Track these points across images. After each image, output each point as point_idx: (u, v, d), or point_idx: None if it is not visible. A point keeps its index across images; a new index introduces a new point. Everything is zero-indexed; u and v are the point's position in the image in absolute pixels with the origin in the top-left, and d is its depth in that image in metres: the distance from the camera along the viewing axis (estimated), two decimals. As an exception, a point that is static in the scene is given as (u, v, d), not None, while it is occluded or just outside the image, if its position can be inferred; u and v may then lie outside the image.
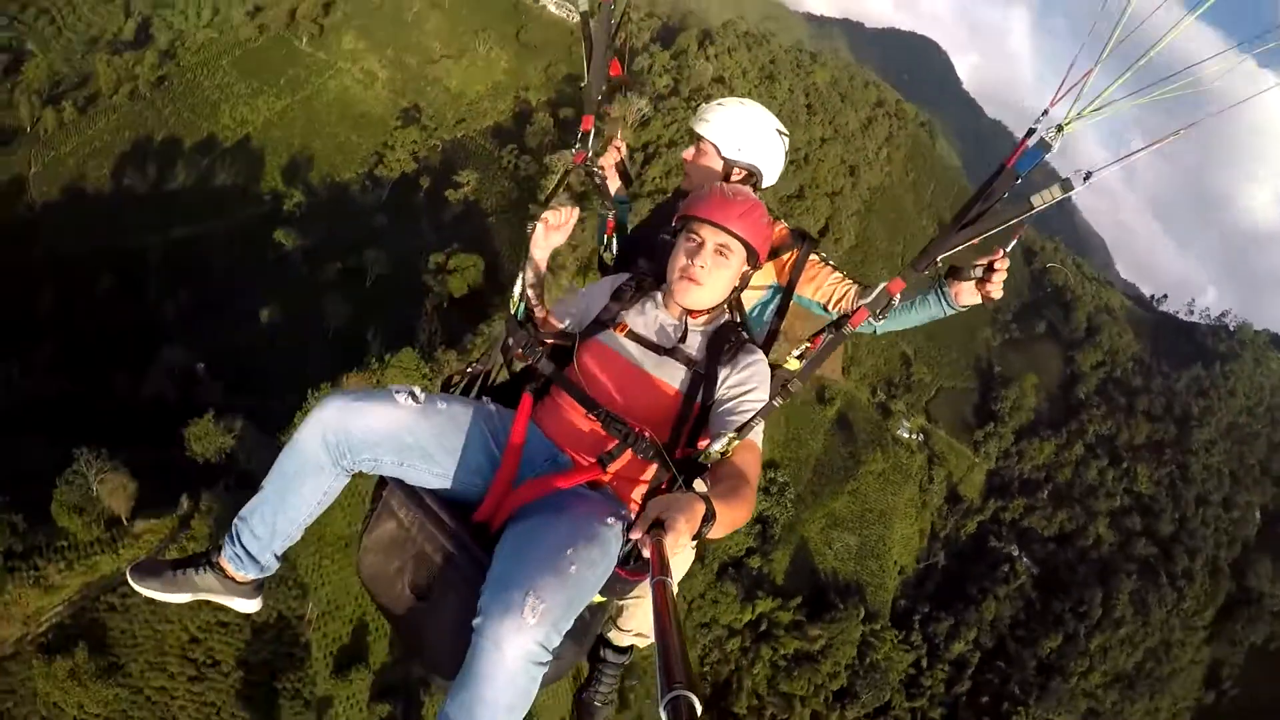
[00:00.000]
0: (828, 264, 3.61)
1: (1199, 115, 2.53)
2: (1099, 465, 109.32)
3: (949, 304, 3.28)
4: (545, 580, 2.35)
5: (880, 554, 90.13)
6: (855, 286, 3.54)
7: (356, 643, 54.67)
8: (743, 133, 3.67)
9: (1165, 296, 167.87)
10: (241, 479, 56.96)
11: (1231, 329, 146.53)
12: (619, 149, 4.08)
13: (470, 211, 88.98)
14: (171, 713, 48.66)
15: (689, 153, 3.82)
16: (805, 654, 79.43)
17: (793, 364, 3.15)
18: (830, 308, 3.58)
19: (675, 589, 2.76)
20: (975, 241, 2.93)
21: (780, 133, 3.76)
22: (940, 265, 3.01)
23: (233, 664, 50.19)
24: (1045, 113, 2.65)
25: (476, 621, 2.32)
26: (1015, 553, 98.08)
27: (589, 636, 2.91)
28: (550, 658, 2.36)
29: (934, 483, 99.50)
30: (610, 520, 2.71)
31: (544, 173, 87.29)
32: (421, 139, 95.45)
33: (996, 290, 3.12)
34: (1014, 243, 3.00)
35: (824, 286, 3.57)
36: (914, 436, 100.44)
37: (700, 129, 3.72)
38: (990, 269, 3.08)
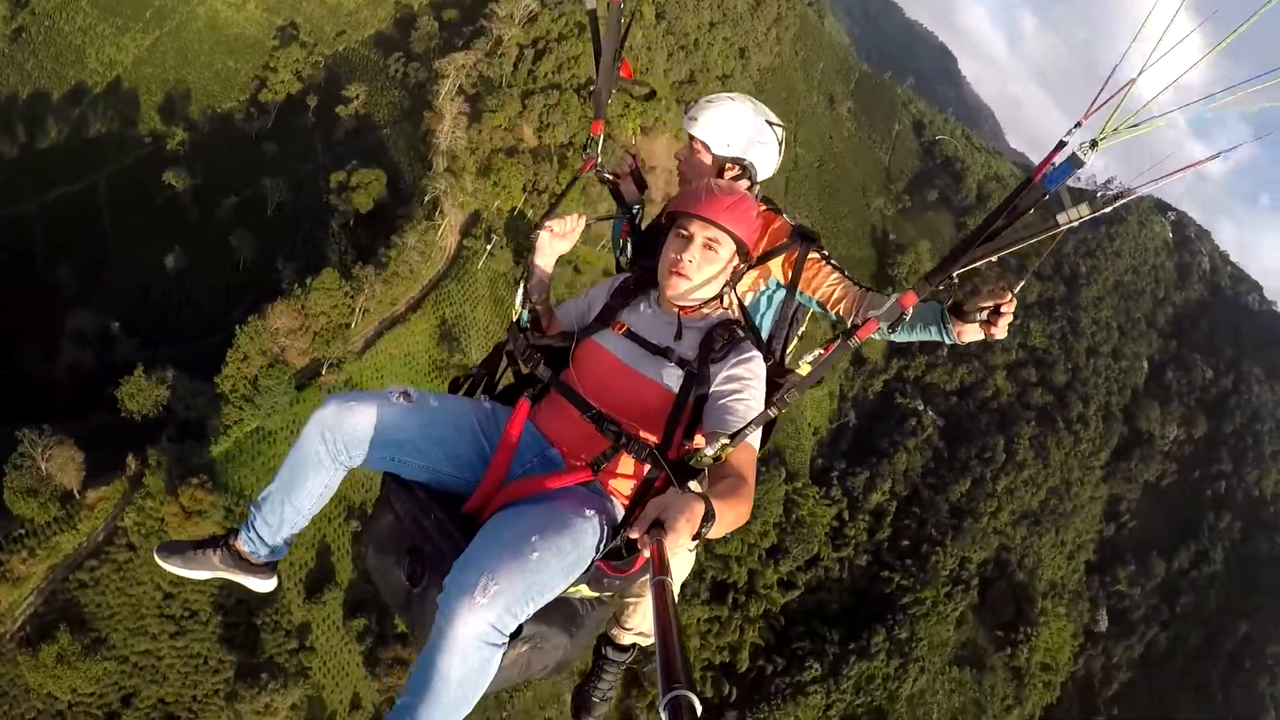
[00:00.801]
0: (829, 263, 3.61)
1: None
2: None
3: (950, 339, 3.25)
4: (504, 563, 2.43)
5: (795, 418, 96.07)
6: (855, 288, 3.57)
7: (322, 565, 57.33)
8: (731, 129, 3.72)
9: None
10: (183, 427, 58.09)
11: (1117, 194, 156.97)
12: (633, 156, 4.11)
13: (363, 126, 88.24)
14: (160, 672, 50.21)
15: (682, 153, 3.89)
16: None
17: (804, 369, 3.08)
18: (829, 308, 3.62)
19: (675, 589, 3.12)
20: (994, 259, 2.81)
21: (771, 124, 3.79)
22: (953, 283, 2.91)
23: (210, 610, 52.04)
24: (1079, 124, 2.54)
25: (439, 598, 2.44)
26: (921, 407, 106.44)
27: (583, 630, 3.00)
28: (503, 640, 2.44)
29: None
30: (588, 513, 2.77)
31: (435, 78, 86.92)
32: (303, 57, 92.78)
33: (1001, 332, 3.07)
34: (1022, 285, 2.96)
35: (823, 286, 3.59)
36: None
37: (691, 129, 3.78)
38: (996, 311, 3.03)
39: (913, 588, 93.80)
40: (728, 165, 3.77)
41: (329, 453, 3.01)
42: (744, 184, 3.75)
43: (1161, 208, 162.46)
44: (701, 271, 3.15)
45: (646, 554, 2.08)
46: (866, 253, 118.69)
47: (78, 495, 51.83)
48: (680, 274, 3.16)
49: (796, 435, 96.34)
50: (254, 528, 3.32)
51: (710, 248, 3.14)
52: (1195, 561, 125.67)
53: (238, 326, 61.82)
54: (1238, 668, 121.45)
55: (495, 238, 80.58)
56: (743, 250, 3.19)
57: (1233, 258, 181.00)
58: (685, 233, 3.17)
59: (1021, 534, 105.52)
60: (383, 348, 69.38)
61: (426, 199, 77.63)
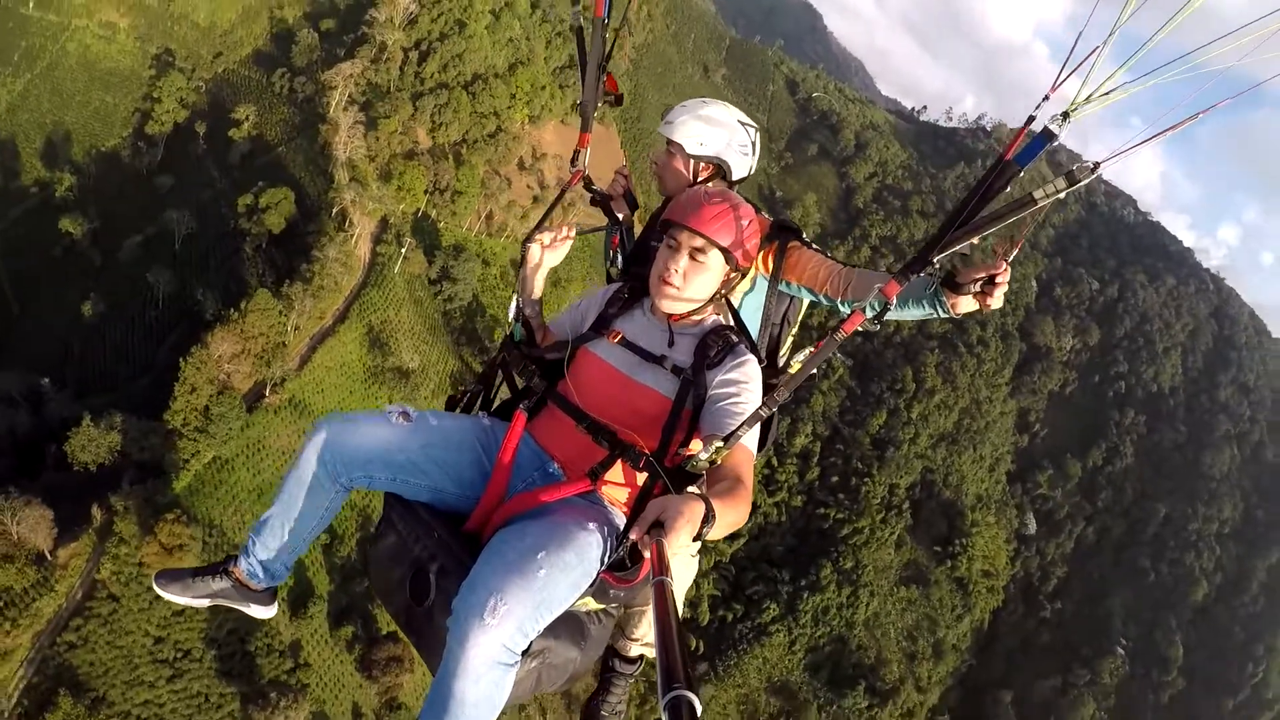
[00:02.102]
0: (810, 248, 3.70)
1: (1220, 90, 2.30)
2: (886, 263, 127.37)
3: (945, 312, 3.22)
4: (511, 583, 2.48)
5: None
6: (840, 267, 3.61)
7: (300, 580, 59.18)
8: (703, 129, 3.88)
9: (925, 108, 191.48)
10: (141, 469, 58.81)
11: (989, 130, 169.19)
12: (625, 177, 4.28)
13: (257, 147, 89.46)
14: (164, 717, 50.73)
15: (659, 155, 4.06)
16: None
17: (796, 367, 3.23)
18: (817, 290, 3.67)
19: (679, 594, 3.48)
20: (975, 240, 2.80)
21: (744, 124, 3.95)
22: (937, 266, 2.91)
23: (202, 647, 52.91)
24: (1046, 98, 2.50)
25: (449, 622, 2.50)
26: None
27: (591, 642, 3.09)
28: (516, 659, 2.51)
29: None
30: (591, 525, 2.82)
31: (323, 90, 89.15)
32: (185, 84, 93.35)
33: (997, 301, 3.03)
34: (1016, 251, 2.92)
35: (806, 271, 3.66)
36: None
37: (665, 132, 3.97)
38: (991, 281, 2.99)
39: (849, 519, 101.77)
40: (702, 166, 3.91)
41: (328, 475, 3.09)
42: (720, 184, 3.92)
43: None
44: (689, 281, 3.20)
45: (647, 554, 2.19)
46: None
47: (49, 556, 51.66)
48: (668, 284, 3.21)
49: None
50: (253, 553, 3.39)
51: (696, 259, 3.18)
52: (1108, 458, 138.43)
53: (181, 359, 63.13)
54: (1163, 547, 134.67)
55: (407, 241, 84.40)
56: (732, 260, 3.20)
57: (1106, 176, 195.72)
58: (674, 243, 3.22)
59: (942, 455, 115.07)
60: (319, 361, 72.36)
61: (335, 211, 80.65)
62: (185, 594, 3.48)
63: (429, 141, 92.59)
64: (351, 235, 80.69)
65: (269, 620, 51.33)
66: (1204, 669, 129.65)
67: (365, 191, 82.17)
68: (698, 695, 1.46)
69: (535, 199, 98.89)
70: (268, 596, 3.55)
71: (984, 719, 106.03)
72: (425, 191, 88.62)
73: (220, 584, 3.46)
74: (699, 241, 3.17)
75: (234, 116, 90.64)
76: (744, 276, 3.35)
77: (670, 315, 3.29)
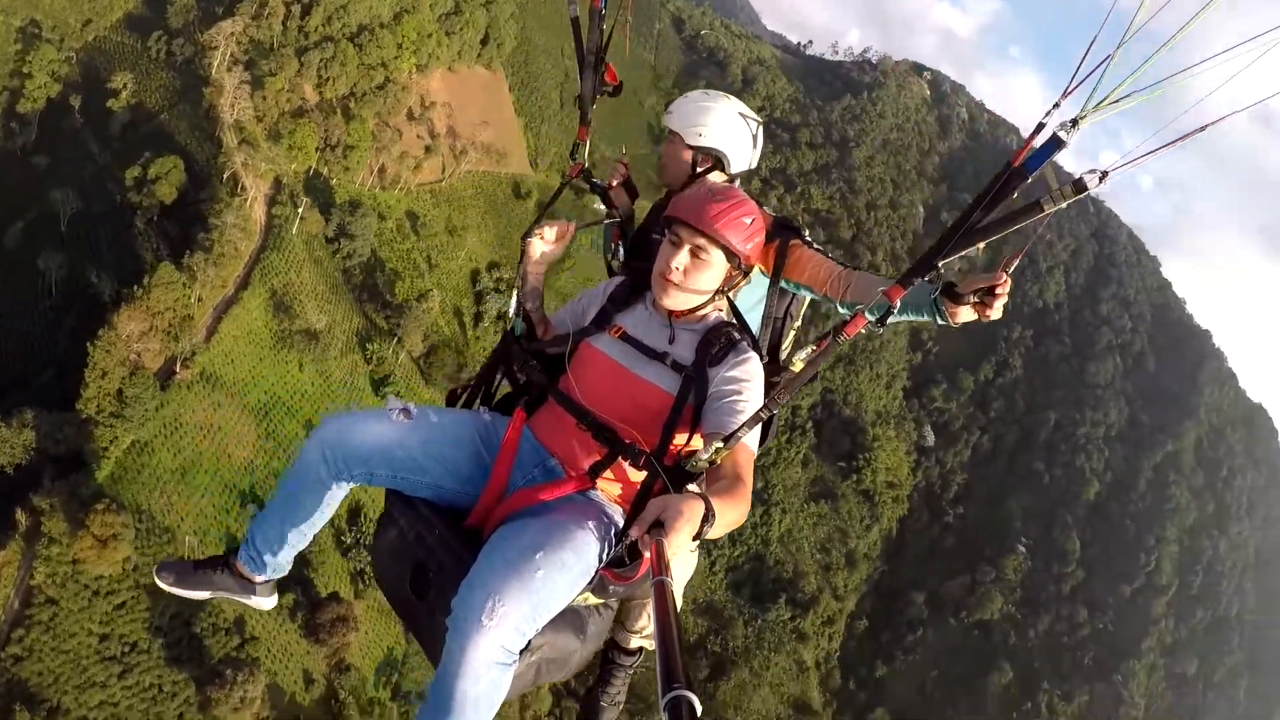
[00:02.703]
0: (811, 247, 3.72)
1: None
2: (776, 194, 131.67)
3: (944, 320, 3.16)
4: (508, 583, 2.53)
5: None
6: (839, 268, 3.63)
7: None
8: (703, 119, 3.96)
9: (811, 42, 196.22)
10: (60, 464, 57.74)
11: (874, 62, 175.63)
12: (625, 165, 4.38)
13: (138, 116, 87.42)
14: (121, 717, 50.29)
15: (664, 145, 4.12)
16: None
17: (798, 366, 3.09)
18: (818, 290, 3.69)
19: (679, 592, 3.57)
20: (981, 246, 2.77)
21: (744, 116, 4.01)
22: (941, 271, 2.87)
23: (149, 637, 52.35)
24: (1056, 105, 2.48)
25: (448, 621, 2.57)
26: None
27: (591, 636, 3.18)
28: (514, 659, 2.58)
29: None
30: (589, 523, 2.87)
31: (203, 52, 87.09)
32: (55, 56, 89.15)
33: (996, 312, 3.00)
34: (1016, 263, 2.90)
35: (808, 270, 3.67)
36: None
37: (667, 122, 4.06)
38: (990, 293, 2.95)
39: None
40: (701, 157, 3.98)
41: (330, 471, 3.13)
42: (719, 175, 4.01)
43: (917, 69, 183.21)
44: (690, 279, 3.18)
45: (647, 554, 2.17)
46: (647, 149, 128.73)
47: (-24, 568, 49.58)
48: (669, 281, 3.18)
49: None
50: (254, 545, 3.43)
51: (698, 255, 3.15)
52: (998, 371, 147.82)
53: (89, 344, 61.78)
54: (1055, 452, 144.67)
55: (302, 201, 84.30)
56: (734, 259, 3.18)
57: (989, 106, 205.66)
58: (676, 239, 3.18)
59: (840, 376, 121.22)
60: (225, 331, 72.01)
61: (226, 176, 79.89)
62: (186, 587, 3.52)
63: (316, 97, 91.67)
64: (246, 199, 79.98)
65: (220, 610, 53.10)
66: (1101, 560, 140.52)
67: (256, 153, 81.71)
68: (697, 695, 1.46)
69: (427, 149, 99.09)
70: (269, 589, 3.61)
71: (900, 620, 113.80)
72: (316, 149, 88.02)
73: (221, 577, 3.52)
74: (701, 239, 3.13)
75: (110, 86, 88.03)
76: (746, 276, 3.33)
77: (672, 311, 3.27)
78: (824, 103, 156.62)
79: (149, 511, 57.12)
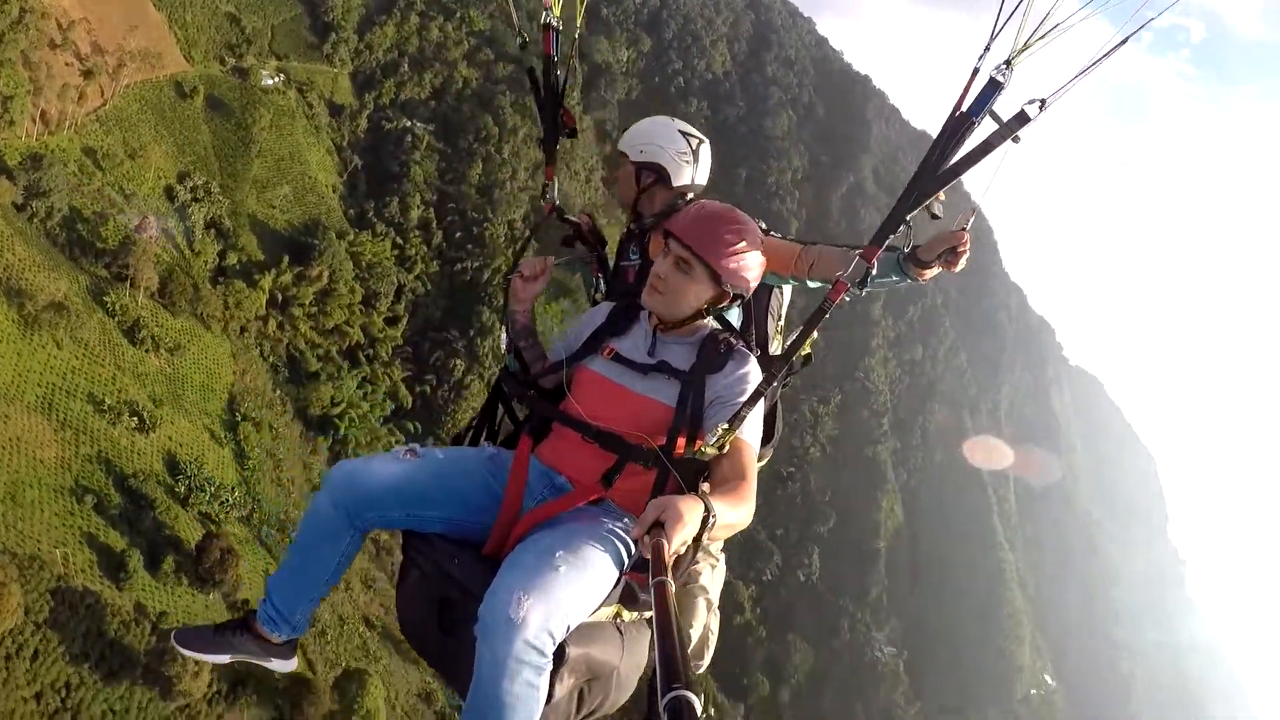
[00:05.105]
0: (769, 235, 3.78)
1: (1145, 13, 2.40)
2: (437, 24, 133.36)
3: (912, 280, 3.43)
4: (532, 582, 2.58)
5: (309, 185, 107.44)
6: (797, 245, 3.80)
7: (104, 554, 55.89)
8: (643, 137, 4.26)
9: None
10: None
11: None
12: (589, 216, 4.49)
13: None
14: None
15: (617, 171, 4.41)
16: (324, 291, 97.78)
17: (803, 348, 3.32)
18: (783, 273, 3.82)
19: (715, 598, 3.72)
20: (941, 197, 2.93)
21: (685, 134, 4.27)
22: (909, 226, 3.03)
23: (76, 670, 48.31)
24: (987, 48, 2.60)
25: (476, 629, 2.61)
26: (409, 123, 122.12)
27: (631, 656, 3.13)
28: (546, 661, 2.59)
29: (314, 106, 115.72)
30: (605, 529, 2.97)
31: None
32: None
33: (961, 265, 3.27)
34: (972, 220, 3.12)
35: (773, 258, 3.69)
36: (277, 80, 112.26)
37: (619, 145, 4.36)
38: (953, 251, 3.22)
39: (485, 263, 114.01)
40: (644, 172, 4.22)
41: (345, 518, 3.18)
42: (662, 191, 4.25)
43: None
44: (672, 289, 3.28)
45: (648, 555, 2.24)
46: (295, 10, 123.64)
47: None
48: (654, 288, 3.30)
49: (317, 200, 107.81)
50: (273, 604, 3.46)
51: (680, 268, 3.26)
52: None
53: None
54: (752, 201, 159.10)
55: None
56: (717, 277, 3.26)
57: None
58: (666, 250, 3.32)
59: (540, 181, 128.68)
60: None
61: None
62: (206, 651, 3.55)
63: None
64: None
65: (122, 606, 50.66)
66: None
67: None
68: (697, 695, 1.51)
69: (86, 74, 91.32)
70: (288, 650, 3.63)
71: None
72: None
73: (241, 640, 3.54)
74: (684, 252, 3.25)
75: None
76: (735, 300, 3.41)
77: (663, 326, 3.40)
78: None
79: (6, 548, 52.39)
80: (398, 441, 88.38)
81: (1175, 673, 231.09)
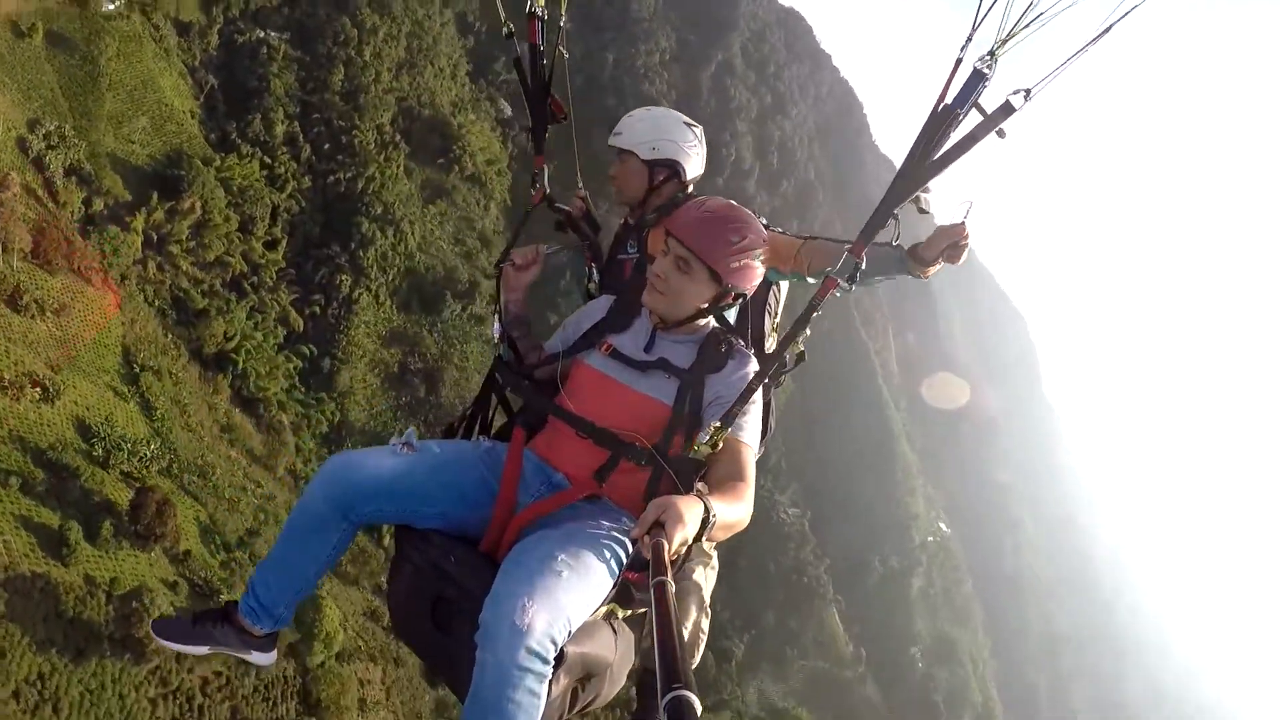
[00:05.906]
0: (768, 229, 3.74)
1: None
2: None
3: (915, 275, 3.45)
4: (535, 587, 2.54)
5: (167, 114, 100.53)
6: (795, 240, 3.81)
7: (42, 535, 53.72)
8: (652, 133, 4.15)
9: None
10: None
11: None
12: (583, 200, 4.45)
13: None
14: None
15: (615, 167, 4.25)
16: (198, 223, 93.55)
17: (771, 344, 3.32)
18: (782, 268, 3.87)
19: (707, 596, 3.71)
20: (929, 189, 2.95)
21: (689, 124, 4.24)
22: (896, 219, 3.04)
23: (47, 659, 45.84)
24: (970, 39, 2.59)
25: (476, 636, 2.55)
26: (261, 34, 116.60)
27: (624, 653, 3.13)
28: (547, 667, 2.54)
29: (161, 28, 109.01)
30: (604, 529, 2.93)
31: None
32: None
33: (964, 257, 3.32)
34: (968, 212, 3.11)
35: (774, 255, 3.73)
36: (118, 3, 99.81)
37: (616, 142, 4.20)
38: (955, 245, 3.25)
39: (359, 173, 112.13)
40: (657, 170, 4.15)
41: (338, 511, 3.11)
42: (674, 185, 4.20)
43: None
44: (671, 288, 3.27)
45: (647, 555, 2.24)
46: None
47: None
48: (654, 288, 3.30)
49: (182, 130, 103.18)
50: (255, 595, 3.37)
51: (679, 268, 3.24)
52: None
53: None
54: (619, 86, 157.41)
55: None
56: (717, 277, 3.24)
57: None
58: (666, 249, 3.28)
59: (407, 81, 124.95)
60: None
61: None
62: (185, 642, 3.49)
63: None
64: None
65: (73, 582, 48.68)
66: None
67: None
68: (697, 695, 1.51)
69: None
70: (268, 643, 3.54)
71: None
72: None
73: (221, 631, 3.46)
74: (683, 251, 3.22)
75: None
76: (736, 300, 3.39)
77: (663, 324, 3.38)
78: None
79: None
80: (295, 369, 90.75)
81: (1056, 504, 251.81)
